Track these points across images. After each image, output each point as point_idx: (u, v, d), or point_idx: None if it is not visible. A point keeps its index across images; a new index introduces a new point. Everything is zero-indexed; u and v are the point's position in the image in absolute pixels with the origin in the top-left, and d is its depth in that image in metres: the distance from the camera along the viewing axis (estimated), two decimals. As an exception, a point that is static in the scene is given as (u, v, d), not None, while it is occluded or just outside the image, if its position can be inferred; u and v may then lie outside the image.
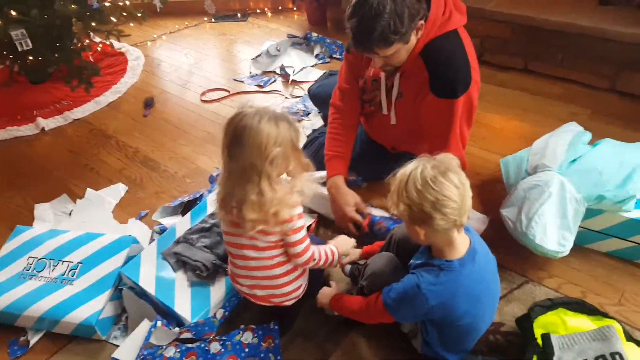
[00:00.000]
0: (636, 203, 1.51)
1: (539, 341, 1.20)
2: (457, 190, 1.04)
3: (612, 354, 1.13)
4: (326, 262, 1.36)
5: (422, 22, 1.44)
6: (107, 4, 2.75)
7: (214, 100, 2.79)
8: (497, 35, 2.66)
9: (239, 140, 1.13)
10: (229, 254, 1.35)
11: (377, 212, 1.73)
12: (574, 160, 1.58)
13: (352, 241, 1.54)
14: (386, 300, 1.17)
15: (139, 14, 3.01)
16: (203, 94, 2.84)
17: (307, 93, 2.48)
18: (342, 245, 1.48)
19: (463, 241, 1.13)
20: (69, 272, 1.60)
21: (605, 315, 1.32)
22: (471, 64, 1.54)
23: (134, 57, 3.31)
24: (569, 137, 1.68)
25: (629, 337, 1.24)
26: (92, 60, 2.82)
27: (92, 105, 2.80)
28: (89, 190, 2.12)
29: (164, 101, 2.83)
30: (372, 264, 1.32)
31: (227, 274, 1.50)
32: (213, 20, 3.81)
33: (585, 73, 2.47)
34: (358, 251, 1.54)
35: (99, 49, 3.26)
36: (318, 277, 1.48)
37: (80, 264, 1.61)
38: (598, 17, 2.37)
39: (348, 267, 1.56)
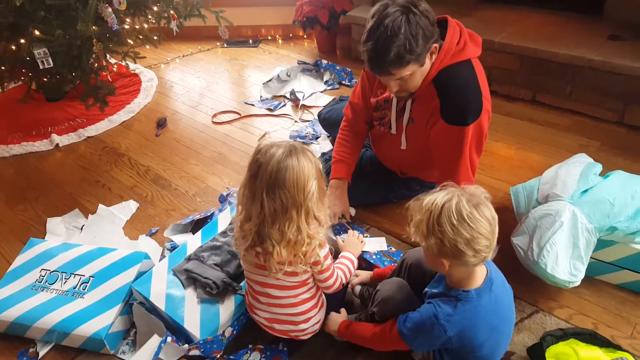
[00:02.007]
0: (648, 235, 1.51)
1: (552, 371, 1.19)
2: (490, 227, 1.03)
3: (627, 387, 1.12)
4: (350, 274, 1.42)
5: (435, 45, 1.48)
6: (126, 27, 2.82)
7: (224, 122, 2.83)
8: (506, 67, 2.71)
9: (282, 182, 1.13)
10: (250, 287, 1.36)
11: (371, 246, 1.73)
12: (585, 191, 1.59)
13: (360, 242, 1.59)
14: (402, 330, 1.16)
15: (155, 37, 3.09)
16: (214, 115, 2.89)
17: (316, 117, 2.53)
18: (354, 247, 1.53)
19: (481, 271, 1.13)
20: (80, 285, 1.60)
21: (619, 347, 1.31)
22: (483, 93, 1.57)
23: (147, 78, 3.38)
24: (579, 167, 1.69)
25: (643, 371, 1.23)
26: (110, 79, 2.87)
27: (105, 123, 2.85)
28: (100, 206, 2.14)
29: (175, 122, 2.87)
30: (383, 290, 1.30)
31: (237, 292, 1.51)
32: (225, 45, 3.89)
33: (594, 106, 2.50)
34: (369, 273, 1.54)
35: (114, 69, 3.34)
36: (334, 305, 1.48)
37: (91, 278, 1.62)
38: (607, 51, 2.42)
39: (358, 288, 1.56)
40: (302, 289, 1.30)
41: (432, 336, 1.11)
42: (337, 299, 1.48)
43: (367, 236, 1.79)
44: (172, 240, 1.87)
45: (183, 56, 3.74)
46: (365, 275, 1.52)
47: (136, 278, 1.60)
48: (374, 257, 1.66)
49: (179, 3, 2.86)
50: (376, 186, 1.97)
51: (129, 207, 2.16)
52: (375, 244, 1.71)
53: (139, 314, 1.52)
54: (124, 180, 2.37)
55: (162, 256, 1.80)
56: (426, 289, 1.20)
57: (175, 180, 2.34)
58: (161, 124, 2.81)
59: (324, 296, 1.41)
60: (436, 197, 1.07)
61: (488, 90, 1.60)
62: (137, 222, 2.09)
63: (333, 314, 1.43)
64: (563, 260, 1.47)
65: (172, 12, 2.77)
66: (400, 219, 1.96)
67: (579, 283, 1.47)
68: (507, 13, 2.98)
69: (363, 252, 1.66)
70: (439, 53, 1.51)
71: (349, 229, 1.73)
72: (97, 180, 2.38)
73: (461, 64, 1.55)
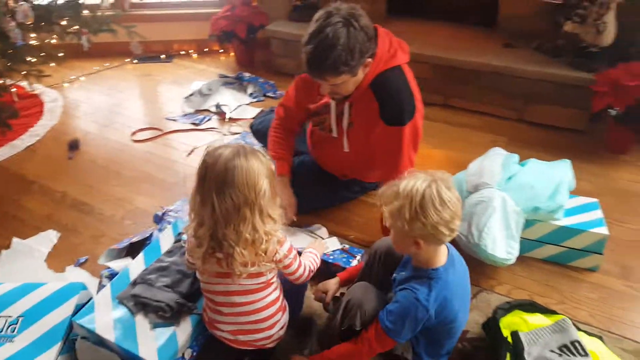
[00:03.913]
0: (564, 212, 1.71)
1: (509, 339, 1.29)
2: (459, 208, 1.12)
3: (572, 342, 1.25)
4: (317, 263, 1.44)
5: (370, 60, 1.57)
6: (33, 43, 2.60)
7: (146, 139, 2.70)
8: (420, 75, 2.88)
9: (231, 180, 1.12)
10: (209, 302, 1.31)
11: (330, 245, 1.76)
12: (509, 178, 1.77)
13: (324, 244, 1.66)
14: (387, 326, 1.17)
15: (60, 55, 2.88)
16: (134, 133, 2.75)
17: (249, 129, 2.51)
18: (317, 246, 1.55)
19: (443, 250, 1.21)
20: (7, 328, 1.41)
21: (555, 312, 1.46)
22: (415, 95, 1.70)
23: (51, 98, 3.13)
24: (500, 158, 1.88)
25: (577, 329, 1.38)
26: (16, 99, 2.61)
27: (7, 149, 2.59)
28: (15, 239, 1.94)
29: (90, 143, 2.69)
30: (355, 299, 1.25)
31: (192, 312, 1.44)
32: (135, 61, 3.73)
33: (499, 106, 2.78)
34: (335, 283, 1.51)
35: (20, 89, 3.04)
36: (294, 306, 1.47)
37: (20, 318, 1.44)
38: (505, 57, 2.72)
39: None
40: (268, 291, 1.28)
41: (416, 320, 1.15)
42: (297, 302, 1.49)
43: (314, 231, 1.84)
44: (110, 267, 1.74)
45: (89, 74, 3.52)
46: (333, 287, 1.50)
47: (75, 312, 1.45)
48: (331, 257, 1.68)
49: (87, 17, 2.69)
50: (319, 193, 2.00)
51: (49, 237, 1.97)
52: (330, 244, 1.74)
53: (84, 350, 1.38)
54: (38, 209, 2.16)
55: (101, 285, 1.65)
56: (394, 275, 1.24)
57: (98, 204, 2.18)
58: (73, 145, 2.61)
59: (285, 301, 1.40)
60: (414, 183, 1.11)
61: (419, 92, 1.73)
62: (61, 253, 1.91)
63: (296, 357, 1.39)
64: (500, 240, 1.61)
65: (81, 26, 2.59)
66: (343, 220, 2.02)
67: (514, 260, 1.62)
68: (415, 26, 3.21)
69: None
70: (374, 60, 1.60)
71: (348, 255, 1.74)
72: (6, 212, 2.14)
73: (393, 70, 1.66)
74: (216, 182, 1.13)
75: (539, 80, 2.58)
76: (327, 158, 1.98)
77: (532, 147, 2.46)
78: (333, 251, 1.71)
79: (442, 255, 1.20)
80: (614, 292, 1.66)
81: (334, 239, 1.80)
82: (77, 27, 2.66)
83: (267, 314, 1.29)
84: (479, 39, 2.99)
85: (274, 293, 1.31)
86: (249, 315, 1.28)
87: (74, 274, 1.77)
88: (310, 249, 1.49)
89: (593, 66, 2.46)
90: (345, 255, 1.69)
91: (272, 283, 1.30)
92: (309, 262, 1.39)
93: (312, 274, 1.39)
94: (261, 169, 1.16)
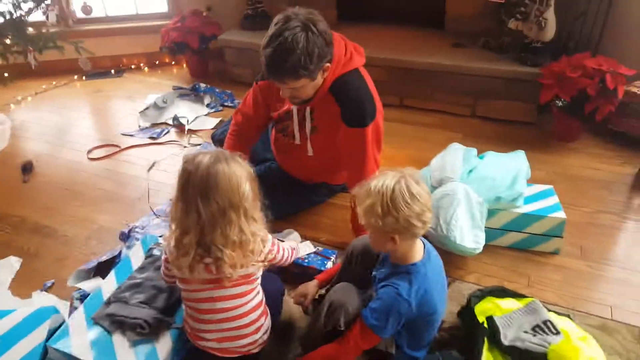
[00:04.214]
0: (524, 200, 1.80)
1: (485, 325, 1.34)
2: (429, 200, 1.17)
3: (544, 322, 1.32)
4: (297, 251, 1.55)
5: (328, 64, 1.60)
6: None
7: (103, 157, 2.63)
8: (374, 78, 2.95)
9: (214, 185, 1.14)
10: (193, 311, 1.29)
11: (303, 250, 1.76)
12: (470, 171, 1.84)
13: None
14: (372, 323, 1.19)
15: (5, 75, 2.75)
16: (90, 151, 2.66)
17: (209, 139, 2.49)
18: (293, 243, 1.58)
19: (419, 245, 1.26)
20: (-24, 359, 1.35)
21: (524, 296, 1.53)
22: (374, 96, 1.74)
23: (-4, 121, 2.98)
24: (460, 153, 1.95)
25: (547, 309, 1.46)
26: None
27: (-47, 175, 2.44)
28: (-28, 268, 1.83)
29: (44, 164, 2.58)
30: (337, 301, 1.26)
31: (171, 327, 1.42)
32: (84, 78, 3.62)
33: (451, 104, 2.89)
34: (314, 285, 1.52)
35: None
36: (274, 314, 1.46)
37: (-11, 348, 1.37)
38: (454, 56, 2.83)
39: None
40: (251, 296, 1.28)
41: (400, 314, 1.18)
42: (276, 306, 1.48)
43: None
44: (80, 289, 1.67)
45: (36, 94, 3.38)
46: (312, 290, 1.51)
47: (48, 337, 1.39)
48: (306, 260, 1.69)
49: (32, 35, 2.59)
50: (287, 198, 2.00)
51: (10, 264, 1.88)
52: (304, 248, 1.75)
53: None
54: (-6, 236, 2.06)
55: (73, 308, 1.59)
56: (374, 273, 1.27)
57: (60, 226, 2.10)
58: (27, 168, 2.50)
59: (266, 306, 1.40)
60: (384, 180, 1.16)
61: (377, 93, 1.77)
62: (25, 279, 1.82)
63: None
64: (467, 231, 1.68)
65: (27, 44, 2.49)
66: (312, 223, 2.03)
67: (481, 249, 1.69)
68: (366, 31, 3.29)
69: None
70: (331, 64, 1.63)
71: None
72: (-41, 241, 2.03)
73: (351, 73, 1.70)
74: (200, 188, 1.14)
75: (488, 76, 2.71)
76: (292, 164, 1.99)
77: (486, 141, 2.56)
78: (307, 254, 1.72)
79: (419, 250, 1.24)
80: (576, 272, 1.75)
81: (308, 243, 1.81)
82: (19, 46, 2.56)
83: (251, 318, 1.29)
84: (429, 40, 3.10)
85: (257, 297, 1.31)
86: (234, 320, 1.27)
87: (42, 299, 1.69)
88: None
89: (538, 60, 2.60)
90: (320, 258, 1.71)
91: (255, 288, 1.30)
92: (289, 247, 1.45)
93: (295, 254, 1.49)
94: (242, 173, 1.18)
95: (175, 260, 1.21)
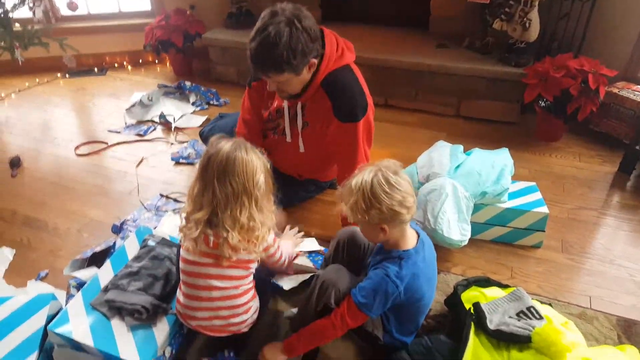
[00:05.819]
0: (509, 195, 1.87)
1: (472, 311, 1.40)
2: (410, 186, 1.23)
3: (528, 308, 1.38)
4: (293, 257, 1.61)
5: (314, 60, 1.63)
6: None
7: (91, 153, 2.62)
8: (360, 77, 3.04)
9: (232, 169, 1.21)
10: (188, 287, 1.33)
11: (306, 246, 1.78)
12: (457, 167, 1.90)
13: (294, 237, 1.79)
14: (360, 300, 1.24)
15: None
16: (77, 147, 2.65)
17: (196, 137, 2.50)
18: (289, 246, 1.62)
19: (412, 234, 1.31)
20: (-21, 342, 1.35)
21: (508, 286, 1.59)
22: (365, 92, 1.78)
23: (-20, 118, 2.94)
24: (447, 150, 2.01)
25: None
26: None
27: (-61, 171, 2.41)
28: (-35, 260, 1.82)
29: (32, 159, 2.57)
30: (329, 279, 1.30)
31: (168, 313, 1.45)
32: (67, 75, 3.59)
33: (436, 104, 2.96)
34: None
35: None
36: (264, 299, 1.50)
37: (-7, 331, 1.38)
38: (439, 57, 2.90)
39: (289, 312, 1.54)
40: (246, 280, 1.34)
41: (387, 294, 1.23)
42: (264, 291, 1.52)
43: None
44: (76, 277, 1.69)
45: (19, 91, 3.35)
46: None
47: (48, 322, 1.41)
48: (308, 258, 1.72)
49: (18, 32, 2.56)
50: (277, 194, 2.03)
51: (3, 254, 1.89)
52: (309, 244, 1.78)
53: (63, 357, 1.36)
54: (-14, 230, 2.05)
55: (70, 295, 1.61)
56: (369, 260, 1.31)
57: (52, 220, 2.10)
58: (15, 163, 2.48)
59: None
60: (362, 177, 1.22)
61: (367, 89, 1.82)
62: (19, 269, 1.84)
63: (269, 344, 1.38)
64: (454, 224, 1.73)
65: (13, 40, 2.47)
66: (302, 219, 2.06)
67: (467, 241, 1.75)
68: (348, 31, 3.29)
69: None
70: (323, 60, 1.66)
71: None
72: (-49, 234, 2.01)
73: (343, 69, 1.73)
74: (218, 169, 1.21)
75: (471, 76, 2.78)
76: (282, 160, 2.01)
77: (470, 140, 2.63)
78: (310, 252, 1.75)
79: (412, 238, 1.30)
80: (558, 264, 1.83)
81: (313, 240, 1.82)
82: (6, 42, 2.53)
83: (243, 300, 1.34)
84: (414, 41, 3.16)
85: (250, 282, 1.37)
86: (226, 300, 1.32)
87: (38, 288, 1.72)
88: (284, 240, 1.57)
89: (521, 61, 2.68)
90: (322, 257, 1.72)
91: (249, 275, 1.35)
92: (285, 251, 1.50)
93: (291, 260, 1.52)
94: (259, 164, 1.26)
95: (183, 229, 1.28)
